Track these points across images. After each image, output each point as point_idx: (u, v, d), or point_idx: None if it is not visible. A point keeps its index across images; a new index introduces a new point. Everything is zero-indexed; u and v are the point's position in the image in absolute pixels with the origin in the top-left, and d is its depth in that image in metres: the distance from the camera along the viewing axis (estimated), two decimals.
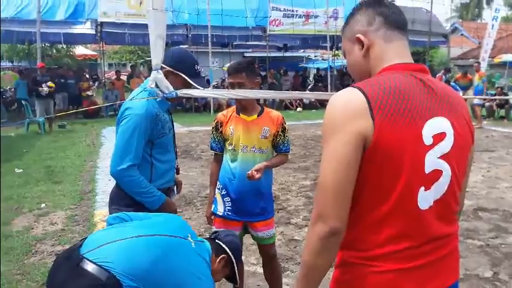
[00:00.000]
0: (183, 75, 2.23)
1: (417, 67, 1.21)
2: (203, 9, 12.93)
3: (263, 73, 16.24)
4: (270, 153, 2.54)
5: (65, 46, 17.62)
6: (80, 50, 20.22)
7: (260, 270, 3.11)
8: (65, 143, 9.15)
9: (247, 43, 17.41)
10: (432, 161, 1.13)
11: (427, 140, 1.12)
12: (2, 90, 13.88)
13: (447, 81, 12.99)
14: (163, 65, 2.25)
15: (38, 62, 11.64)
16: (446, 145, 1.15)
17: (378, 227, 1.14)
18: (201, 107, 14.96)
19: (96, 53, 20.87)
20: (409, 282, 1.16)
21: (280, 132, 2.51)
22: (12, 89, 14.35)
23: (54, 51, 18.02)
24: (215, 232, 2.15)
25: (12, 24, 12.57)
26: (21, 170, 6.63)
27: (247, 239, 2.85)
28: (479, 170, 6.54)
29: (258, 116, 2.50)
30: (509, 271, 3.29)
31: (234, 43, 17.48)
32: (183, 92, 2.34)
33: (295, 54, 22.43)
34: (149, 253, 1.70)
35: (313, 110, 15.09)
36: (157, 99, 2.21)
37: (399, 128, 1.09)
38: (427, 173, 1.13)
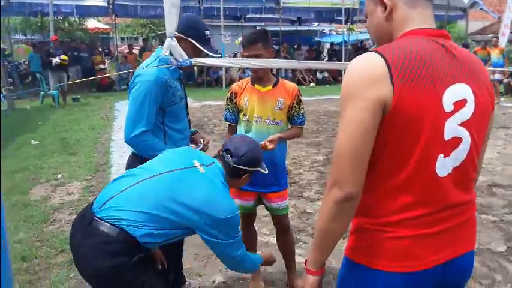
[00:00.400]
0: (193, 41, 2.20)
1: (439, 32, 1.18)
2: None
3: (276, 47, 16.03)
4: (285, 125, 2.53)
5: (77, 19, 17.56)
6: (92, 23, 20.14)
7: (273, 240, 3.16)
8: (79, 116, 9.23)
9: (260, 16, 17.09)
10: (452, 128, 1.12)
11: (448, 106, 1.11)
12: (16, 63, 13.97)
13: None
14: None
15: (51, 35, 11.64)
16: (466, 112, 1.14)
17: (395, 192, 1.13)
18: (213, 81, 14.90)
19: (108, 27, 20.77)
20: (425, 248, 1.16)
21: (295, 104, 2.49)
22: (26, 62, 14.43)
23: (67, 24, 17.97)
24: (226, 149, 1.96)
25: None
26: (38, 142, 6.74)
27: (261, 211, 2.88)
28: (495, 147, 6.44)
29: (273, 86, 2.47)
30: None
31: (247, 16, 17.18)
32: (197, 61, 2.32)
33: (309, 28, 22.01)
34: (155, 195, 1.68)
35: (327, 86, 14.93)
36: (171, 68, 2.20)
37: (419, 93, 1.07)
38: (446, 140, 1.12)
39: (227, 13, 14.68)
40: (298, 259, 2.88)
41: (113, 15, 14.71)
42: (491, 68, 11.17)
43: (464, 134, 1.15)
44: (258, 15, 16.78)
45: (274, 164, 2.51)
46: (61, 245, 3.25)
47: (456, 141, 1.14)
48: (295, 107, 2.49)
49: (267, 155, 2.43)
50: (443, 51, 1.14)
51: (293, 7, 15.73)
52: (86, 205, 4.02)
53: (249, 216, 2.72)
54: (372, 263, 1.18)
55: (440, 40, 1.16)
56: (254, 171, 2.01)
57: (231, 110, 2.57)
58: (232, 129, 2.62)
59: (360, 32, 18.77)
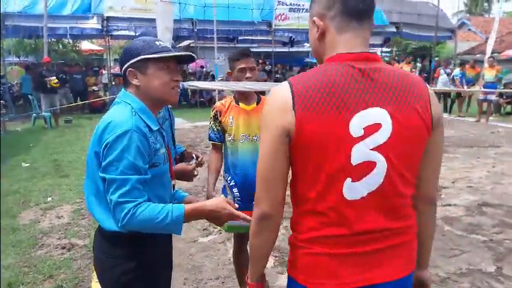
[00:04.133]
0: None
1: (361, 56, 1.16)
2: (209, 3, 12.92)
3: (268, 68, 16.22)
4: None
5: (71, 41, 17.69)
6: (85, 45, 20.28)
7: None
8: (71, 137, 9.22)
9: (252, 38, 17.36)
10: (362, 152, 1.12)
11: (356, 131, 1.11)
12: (9, 85, 13.98)
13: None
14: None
15: (44, 57, 11.71)
16: (380, 136, 1.13)
17: (309, 212, 1.20)
18: (206, 102, 15.01)
19: (102, 48, 20.92)
20: (342, 268, 1.19)
21: None
22: (19, 84, 14.45)
23: (61, 46, 18.08)
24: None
25: (20, 19, 12.65)
26: (28, 164, 6.70)
27: None
28: (485, 166, 6.52)
29: (257, 104, 2.52)
30: None
31: (240, 38, 17.43)
32: (190, 84, 2.36)
33: (300, 49, 22.35)
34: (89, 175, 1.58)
35: None
36: None
37: (321, 121, 1.10)
38: (354, 164, 1.13)
39: (220, 35, 14.86)
40: None
41: (107, 37, 14.85)
42: (482, 89, 11.28)
43: (379, 159, 1.14)
44: (250, 37, 17.03)
45: None
46: (49, 271, 3.21)
47: (369, 165, 1.14)
48: None
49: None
50: (358, 76, 1.13)
51: (285, 29, 15.98)
52: (75, 229, 4.04)
53: (244, 236, 2.72)
54: (297, 277, 1.24)
55: (360, 64, 1.14)
56: (142, 60, 1.54)
57: (215, 129, 2.57)
58: (217, 148, 2.61)
59: None
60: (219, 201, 1.56)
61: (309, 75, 1.17)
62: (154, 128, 1.58)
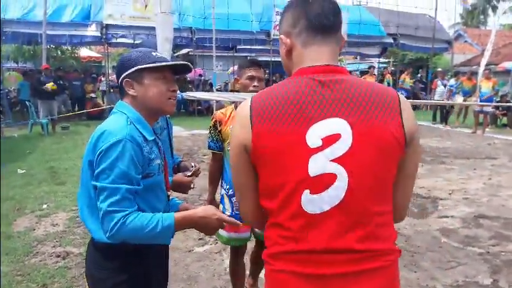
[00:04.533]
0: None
1: (323, 68, 1.15)
2: (208, 13, 12.99)
3: (266, 77, 16.25)
4: None
5: (69, 48, 17.72)
6: (84, 52, 20.31)
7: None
8: (68, 144, 9.18)
9: (251, 47, 17.42)
10: (321, 163, 1.08)
11: (314, 142, 1.08)
12: (6, 91, 13.96)
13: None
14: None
15: (43, 64, 11.72)
16: (339, 147, 1.08)
17: (274, 225, 1.19)
18: (204, 110, 15.03)
19: (100, 55, 20.97)
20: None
21: None
22: (16, 90, 14.43)
23: (59, 52, 18.11)
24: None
25: (19, 25, 12.67)
26: (24, 171, 6.67)
27: (252, 243, 2.85)
28: (481, 177, 6.53)
29: None
30: (509, 279, 3.29)
31: (238, 47, 17.51)
32: (188, 94, 2.36)
33: None
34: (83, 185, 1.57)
35: None
36: None
37: (276, 132, 1.11)
38: (312, 176, 1.08)
39: (219, 44, 14.92)
40: None
41: (106, 45, 14.89)
42: (478, 103, 11.34)
43: (340, 171, 1.08)
44: (249, 46, 17.10)
45: None
46: (43, 279, 3.18)
47: (329, 177, 1.08)
48: None
49: None
50: (318, 88, 1.12)
51: None
52: (71, 237, 4.01)
53: (242, 248, 2.71)
54: None
55: (322, 76, 1.13)
56: (138, 71, 1.55)
57: (215, 138, 2.55)
58: (217, 157, 2.60)
59: (348, 63, 19.20)
60: (208, 208, 1.58)
61: (269, 89, 1.19)
62: (150, 138, 1.58)
